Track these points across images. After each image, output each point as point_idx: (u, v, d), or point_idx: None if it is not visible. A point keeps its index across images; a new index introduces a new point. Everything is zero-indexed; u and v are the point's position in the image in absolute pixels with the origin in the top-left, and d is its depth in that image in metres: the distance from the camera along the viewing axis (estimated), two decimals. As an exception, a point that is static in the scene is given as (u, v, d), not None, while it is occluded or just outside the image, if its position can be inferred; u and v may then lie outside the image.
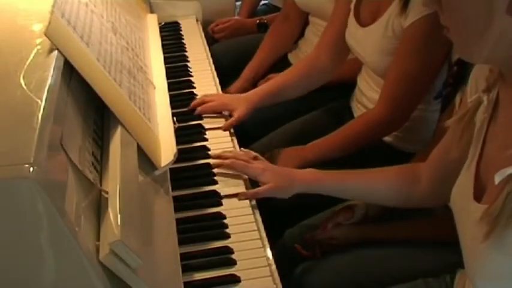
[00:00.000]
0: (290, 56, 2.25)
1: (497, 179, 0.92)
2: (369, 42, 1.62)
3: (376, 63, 1.61)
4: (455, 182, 1.13)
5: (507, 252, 0.94)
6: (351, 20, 1.69)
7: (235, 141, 1.58)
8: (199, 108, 1.65)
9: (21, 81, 0.96)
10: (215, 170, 1.42)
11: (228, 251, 1.22)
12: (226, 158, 1.42)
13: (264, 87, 1.79)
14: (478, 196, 1.01)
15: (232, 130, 1.61)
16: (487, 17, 0.89)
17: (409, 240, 1.38)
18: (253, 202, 1.35)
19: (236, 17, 2.58)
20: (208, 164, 1.45)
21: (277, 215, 1.47)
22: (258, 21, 2.48)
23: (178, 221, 1.20)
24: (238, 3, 2.75)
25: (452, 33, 0.96)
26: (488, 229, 0.93)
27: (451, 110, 1.42)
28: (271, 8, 2.69)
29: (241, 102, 1.67)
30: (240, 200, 1.35)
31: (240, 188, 1.38)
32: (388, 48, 1.56)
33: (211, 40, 2.38)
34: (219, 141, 1.56)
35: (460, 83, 1.33)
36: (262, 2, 2.78)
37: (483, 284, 1.00)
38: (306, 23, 2.21)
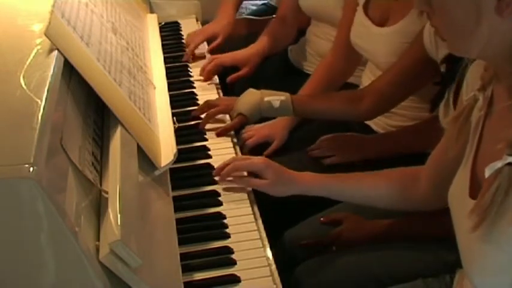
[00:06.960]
0: (290, 54, 2.24)
1: (487, 172, 0.93)
2: (384, 43, 1.61)
3: (391, 64, 1.60)
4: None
5: (498, 245, 0.94)
6: (360, 18, 1.67)
7: (235, 141, 1.58)
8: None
9: (21, 81, 0.96)
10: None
11: (228, 251, 1.22)
12: (226, 165, 1.40)
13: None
14: (473, 193, 1.01)
15: (232, 131, 1.61)
16: (476, 18, 0.90)
17: (418, 236, 1.37)
18: (253, 201, 1.35)
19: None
20: (208, 164, 1.45)
21: (277, 215, 1.47)
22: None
23: (178, 221, 1.20)
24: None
25: (443, 33, 0.98)
26: (477, 220, 0.94)
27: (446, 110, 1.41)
28: (270, 8, 2.68)
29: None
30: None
31: (241, 189, 1.38)
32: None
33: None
34: (219, 141, 1.56)
35: (449, 82, 1.32)
36: (262, 2, 2.78)
37: (480, 281, 1.00)
38: (307, 23, 2.19)
